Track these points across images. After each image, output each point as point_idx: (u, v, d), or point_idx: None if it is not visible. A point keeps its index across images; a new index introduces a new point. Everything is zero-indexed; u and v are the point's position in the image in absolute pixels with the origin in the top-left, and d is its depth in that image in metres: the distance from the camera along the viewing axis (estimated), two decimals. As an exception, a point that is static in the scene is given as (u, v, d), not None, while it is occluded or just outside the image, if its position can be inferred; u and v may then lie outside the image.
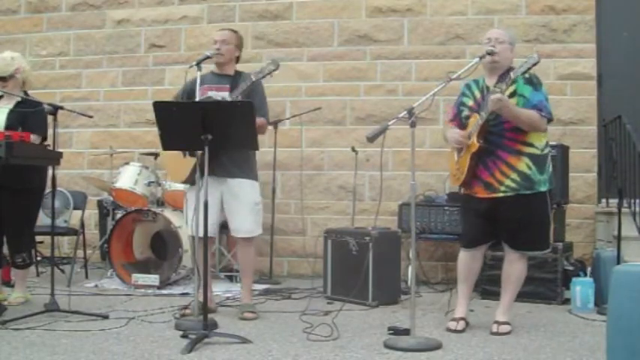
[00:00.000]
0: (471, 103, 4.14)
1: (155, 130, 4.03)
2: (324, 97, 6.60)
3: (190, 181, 4.44)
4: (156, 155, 6.01)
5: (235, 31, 4.65)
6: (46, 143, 4.54)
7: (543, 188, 4.01)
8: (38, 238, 5.93)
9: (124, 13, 7.09)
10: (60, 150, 4.41)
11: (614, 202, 5.13)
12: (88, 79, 7.15)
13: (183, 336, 3.76)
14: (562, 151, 5.49)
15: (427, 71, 6.42)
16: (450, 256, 6.03)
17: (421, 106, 3.80)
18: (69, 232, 6.06)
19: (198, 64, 4.30)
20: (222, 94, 4.40)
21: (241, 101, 4.15)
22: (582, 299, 4.73)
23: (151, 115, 4.01)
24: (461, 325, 4.08)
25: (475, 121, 3.98)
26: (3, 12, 7.34)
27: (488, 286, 5.08)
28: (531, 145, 3.98)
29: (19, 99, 4.57)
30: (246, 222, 4.44)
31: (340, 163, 6.53)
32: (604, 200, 5.91)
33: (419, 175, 5.45)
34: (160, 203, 5.84)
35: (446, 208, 5.66)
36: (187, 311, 4.31)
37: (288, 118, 6.52)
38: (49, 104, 4.36)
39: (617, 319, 2.73)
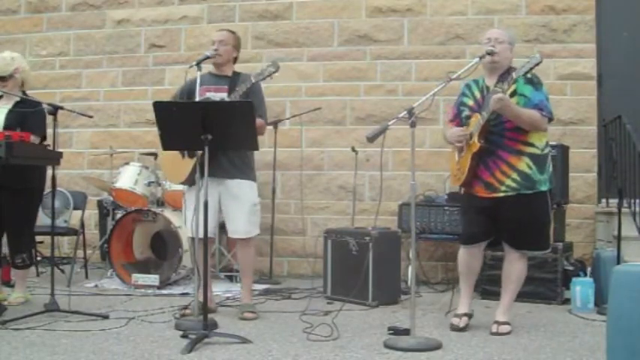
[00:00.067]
0: (471, 103, 4.14)
1: (155, 130, 4.02)
2: (324, 97, 6.60)
3: (189, 182, 4.44)
4: (156, 155, 6.01)
5: (233, 32, 4.64)
6: (45, 143, 4.54)
7: (544, 188, 4.02)
8: (38, 238, 5.93)
9: (124, 13, 7.09)
10: (60, 150, 4.41)
11: (614, 202, 5.13)
12: (88, 79, 7.15)
13: (183, 336, 3.76)
14: (562, 151, 5.49)
15: (427, 71, 6.42)
16: (450, 256, 6.02)
17: (421, 106, 3.80)
18: (69, 232, 6.06)
19: (198, 64, 4.30)
20: (221, 95, 4.40)
21: (241, 101, 4.14)
22: (582, 299, 4.73)
23: (151, 115, 4.01)
24: (464, 321, 4.10)
25: (476, 121, 3.98)
26: (3, 12, 7.34)
27: (488, 286, 5.08)
28: (532, 144, 3.98)
29: (18, 99, 4.58)
30: (244, 223, 4.44)
31: (340, 163, 6.53)
32: (604, 200, 5.91)
33: (419, 175, 5.45)
34: (160, 203, 5.84)
35: (446, 208, 5.66)
36: (187, 311, 4.30)
37: (288, 118, 6.52)
38: (49, 104, 4.36)
39: (617, 319, 2.73)
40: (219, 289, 5.35)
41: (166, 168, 4.81)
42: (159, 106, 3.96)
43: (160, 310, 4.58)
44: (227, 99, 4.31)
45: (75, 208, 6.11)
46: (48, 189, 4.59)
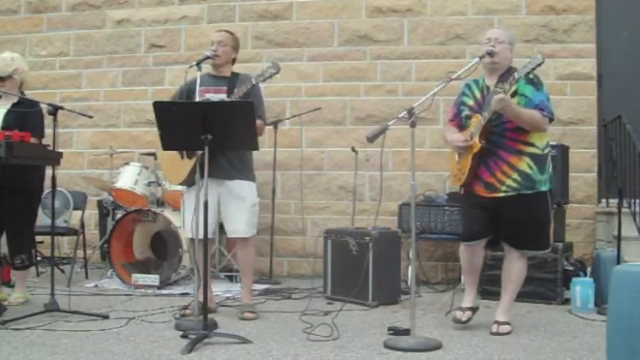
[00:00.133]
0: (471, 102, 4.14)
1: (155, 130, 4.02)
2: (324, 97, 6.60)
3: (188, 182, 4.44)
4: (155, 155, 6.01)
5: (232, 33, 4.64)
6: (46, 143, 4.53)
7: (544, 188, 4.02)
8: (38, 238, 5.93)
9: (124, 13, 7.09)
10: (60, 150, 4.41)
11: (614, 202, 5.13)
12: (88, 79, 7.15)
13: (184, 336, 3.76)
14: (562, 151, 5.49)
15: (427, 71, 6.42)
16: (450, 256, 6.04)
17: (421, 106, 3.80)
18: (69, 232, 6.06)
19: (198, 64, 4.31)
20: (220, 96, 4.39)
21: (241, 101, 4.14)
22: (582, 299, 4.73)
23: (151, 115, 4.01)
24: (467, 315, 4.11)
25: (477, 122, 3.98)
26: (3, 12, 7.34)
27: (488, 286, 5.08)
28: (532, 144, 3.99)
29: (16, 99, 4.57)
30: (243, 223, 4.45)
31: (340, 163, 6.53)
32: (604, 200, 5.91)
33: (419, 175, 5.45)
34: (160, 203, 5.84)
35: (446, 208, 5.66)
36: (187, 311, 4.30)
37: (288, 118, 6.52)
38: (49, 104, 4.36)
39: (617, 319, 2.73)
40: (219, 289, 5.35)
41: (165, 168, 4.82)
42: (159, 106, 3.96)
43: (160, 310, 4.57)
44: (227, 100, 4.31)
45: (75, 208, 6.11)
46: (48, 189, 4.59)
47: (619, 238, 4.75)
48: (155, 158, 6.03)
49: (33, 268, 5.25)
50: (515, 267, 4.10)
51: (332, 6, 6.67)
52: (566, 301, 4.96)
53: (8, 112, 4.51)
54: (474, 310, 4.16)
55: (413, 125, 3.74)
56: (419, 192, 5.78)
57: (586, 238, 6.06)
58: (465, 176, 4.06)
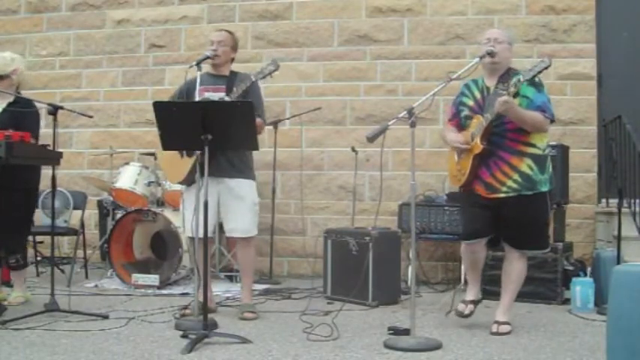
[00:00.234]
0: (471, 103, 4.14)
1: (155, 130, 4.02)
2: (324, 97, 6.60)
3: (188, 181, 4.44)
4: (155, 155, 6.01)
5: (231, 33, 4.64)
6: (46, 143, 4.53)
7: (544, 188, 4.02)
8: (38, 238, 5.95)
9: (124, 13, 7.09)
10: (60, 150, 4.41)
11: (614, 202, 5.13)
12: (88, 79, 7.15)
13: (184, 336, 3.76)
14: (562, 151, 5.50)
15: (427, 71, 6.42)
16: (450, 256, 6.04)
17: (421, 106, 3.80)
18: (69, 232, 6.05)
19: (198, 64, 4.31)
20: (219, 95, 4.39)
21: (241, 101, 4.14)
22: (582, 299, 4.73)
23: (151, 115, 4.01)
24: (469, 308, 4.14)
25: (478, 123, 3.98)
26: (3, 12, 7.34)
27: (488, 286, 5.05)
28: (533, 145, 3.98)
29: (12, 99, 4.57)
30: (244, 222, 4.45)
31: (340, 163, 6.53)
32: (604, 200, 5.91)
33: (419, 175, 5.45)
34: (160, 203, 5.84)
35: (446, 208, 5.66)
36: (187, 311, 4.30)
37: (288, 118, 6.52)
38: (49, 104, 4.35)
39: (617, 319, 2.73)
40: (219, 289, 5.35)
41: (165, 167, 4.82)
42: (159, 106, 3.96)
43: (159, 310, 4.57)
44: (226, 98, 4.31)
45: (75, 208, 6.10)
46: (48, 189, 4.58)
47: (619, 238, 4.75)
48: (155, 158, 6.03)
49: (33, 268, 5.25)
50: (515, 267, 4.10)
51: (332, 6, 6.67)
52: (566, 301, 4.96)
53: (3, 112, 4.51)
54: (476, 302, 4.18)
55: (413, 125, 3.74)
56: (419, 192, 5.78)
57: (586, 238, 6.06)
58: (465, 177, 4.06)
